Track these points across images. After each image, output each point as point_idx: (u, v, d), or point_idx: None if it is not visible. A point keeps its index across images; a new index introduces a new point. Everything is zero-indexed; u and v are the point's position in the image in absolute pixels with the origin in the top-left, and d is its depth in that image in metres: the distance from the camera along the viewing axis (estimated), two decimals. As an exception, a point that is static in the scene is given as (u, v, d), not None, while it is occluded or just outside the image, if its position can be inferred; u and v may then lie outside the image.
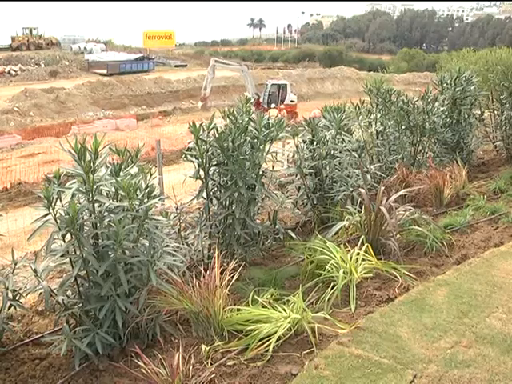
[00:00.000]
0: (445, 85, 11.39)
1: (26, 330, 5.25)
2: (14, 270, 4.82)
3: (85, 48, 68.20)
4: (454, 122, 11.23)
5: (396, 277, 5.70)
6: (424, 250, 6.65)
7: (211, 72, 39.68)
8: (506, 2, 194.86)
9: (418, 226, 6.97)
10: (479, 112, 12.40)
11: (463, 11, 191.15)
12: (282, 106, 36.26)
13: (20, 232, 10.71)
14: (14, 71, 54.70)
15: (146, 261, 4.45)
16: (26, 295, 4.94)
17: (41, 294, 5.14)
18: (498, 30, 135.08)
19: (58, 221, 4.23)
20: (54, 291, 4.57)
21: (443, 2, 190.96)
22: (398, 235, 6.81)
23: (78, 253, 4.36)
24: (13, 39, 67.93)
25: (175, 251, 4.91)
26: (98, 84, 47.41)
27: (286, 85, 40.15)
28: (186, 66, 69.69)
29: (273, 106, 34.60)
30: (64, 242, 4.35)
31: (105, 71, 55.59)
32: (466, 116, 11.39)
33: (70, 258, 4.43)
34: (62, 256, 4.40)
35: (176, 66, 67.85)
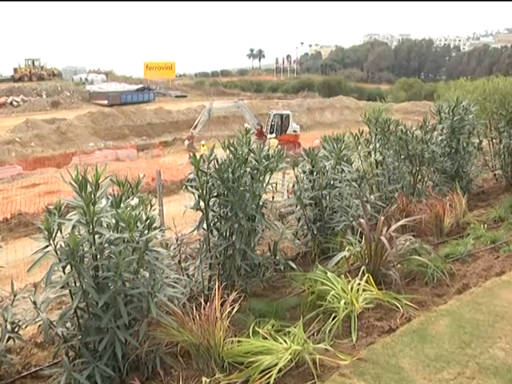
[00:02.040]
0: (443, 114, 11.45)
1: (24, 362, 5.20)
2: (13, 301, 4.80)
3: (86, 79, 68.92)
4: (453, 150, 11.25)
5: (397, 307, 5.66)
6: (425, 280, 6.62)
7: (207, 114, 39.94)
8: (501, 32, 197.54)
9: (419, 255, 6.95)
10: (478, 141, 12.44)
11: (460, 40, 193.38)
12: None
13: (19, 263, 10.66)
14: (16, 102, 55.20)
15: (146, 292, 4.43)
16: (25, 327, 4.90)
17: (40, 325, 5.09)
18: (495, 59, 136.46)
19: (58, 252, 4.23)
20: (54, 323, 4.55)
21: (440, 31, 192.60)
22: (399, 265, 6.79)
23: (77, 284, 4.34)
24: (15, 70, 68.75)
25: (175, 282, 4.90)
26: (98, 114, 47.75)
27: (288, 115, 40.59)
28: (186, 96, 70.28)
29: (273, 135, 34.77)
30: (64, 273, 4.34)
31: (106, 102, 56.06)
32: (465, 145, 11.42)
33: (70, 290, 4.42)
34: (61, 288, 4.39)
35: (176, 97, 68.46)
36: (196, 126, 39.78)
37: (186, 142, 38.22)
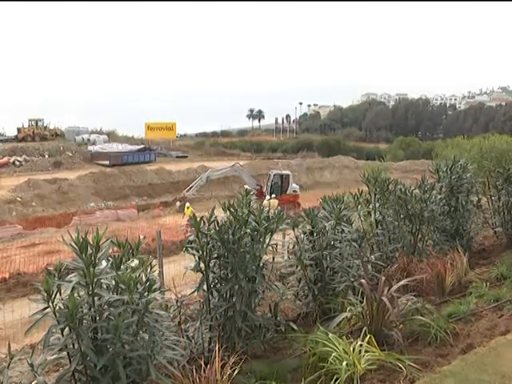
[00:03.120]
0: (441, 173, 11.56)
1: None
2: (9, 364, 4.72)
3: (88, 139, 69.68)
4: (452, 209, 11.31)
5: (400, 368, 5.57)
6: (428, 340, 6.53)
7: (204, 180, 40.38)
8: (496, 91, 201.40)
9: (421, 315, 6.88)
10: (476, 198, 12.52)
11: (455, 99, 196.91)
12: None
13: (17, 323, 10.57)
14: (19, 162, 55.72)
15: (146, 355, 4.39)
16: (22, 391, 4.82)
17: (37, 389, 5.01)
18: (490, 116, 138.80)
19: (57, 314, 4.20)
20: (51, 387, 4.47)
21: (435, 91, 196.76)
22: (401, 325, 6.72)
23: (76, 346, 4.30)
24: (19, 130, 69.77)
25: (175, 344, 4.85)
26: (100, 175, 48.12)
27: (288, 175, 41.03)
28: (186, 157, 70.98)
29: (273, 196, 34.95)
30: (62, 335, 4.30)
31: (107, 162, 56.54)
32: (464, 203, 11.48)
33: (68, 352, 4.37)
34: (59, 350, 4.34)
35: (177, 157, 69.12)
36: (190, 188, 40.07)
37: (178, 204, 38.30)
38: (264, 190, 38.95)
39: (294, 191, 40.09)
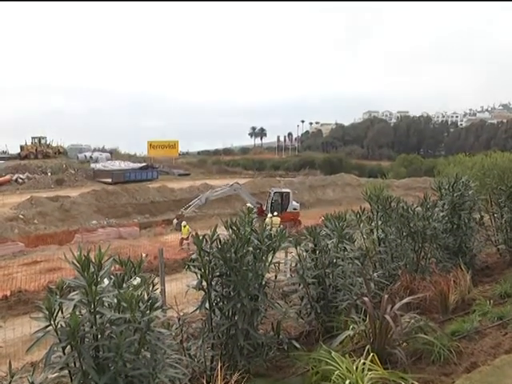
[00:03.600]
0: (443, 190, 11.56)
1: None
2: (10, 382, 4.69)
3: (91, 157, 69.97)
4: (455, 226, 11.29)
5: (404, 387, 5.53)
6: (432, 359, 6.48)
7: (203, 200, 40.46)
8: (497, 108, 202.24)
9: (425, 333, 6.84)
10: (479, 216, 12.50)
11: (457, 117, 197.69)
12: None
13: (18, 341, 10.54)
14: (22, 179, 55.91)
15: (148, 373, 4.35)
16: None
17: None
18: (492, 134, 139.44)
19: (59, 332, 4.18)
20: (52, 406, 4.43)
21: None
22: (405, 343, 6.68)
23: (77, 365, 4.27)
24: (22, 148, 70.16)
25: (177, 363, 4.82)
26: (102, 192, 48.17)
27: (288, 193, 41.10)
28: (189, 174, 71.15)
29: (275, 213, 34.94)
30: (64, 353, 4.28)
31: (110, 180, 56.69)
32: (466, 220, 11.46)
33: (69, 371, 4.34)
34: (61, 368, 4.31)
35: (179, 175, 69.27)
36: (188, 207, 40.09)
37: (175, 221, 38.31)
38: (264, 208, 38.98)
39: (294, 209, 40.19)
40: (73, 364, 4.32)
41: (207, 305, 6.11)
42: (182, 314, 6.36)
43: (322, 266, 7.78)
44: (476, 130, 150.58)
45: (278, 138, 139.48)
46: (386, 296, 6.82)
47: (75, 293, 4.35)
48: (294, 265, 8.08)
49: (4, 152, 75.57)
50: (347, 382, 5.33)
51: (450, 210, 11.23)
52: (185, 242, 29.18)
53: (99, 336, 4.32)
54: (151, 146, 79.69)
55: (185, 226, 30.63)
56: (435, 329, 6.96)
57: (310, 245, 7.93)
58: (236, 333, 6.12)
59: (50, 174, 59.79)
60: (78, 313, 4.22)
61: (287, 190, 42.43)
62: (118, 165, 67.65)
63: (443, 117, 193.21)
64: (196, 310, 6.25)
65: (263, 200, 42.11)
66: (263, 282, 6.34)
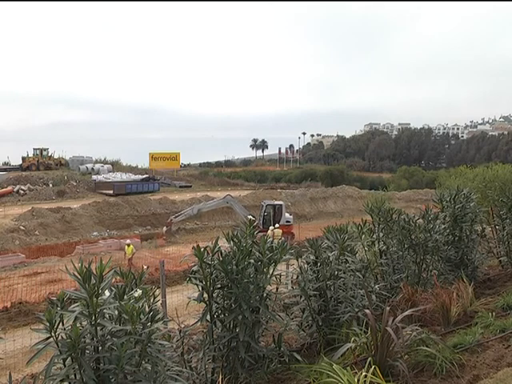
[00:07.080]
0: (445, 202, 11.55)
1: None
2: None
3: (92, 168, 70.22)
4: (457, 238, 11.27)
5: (406, 401, 5.50)
6: (434, 371, 6.45)
7: (195, 211, 40.42)
8: (498, 120, 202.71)
9: (427, 346, 6.81)
10: (481, 228, 12.49)
11: (458, 129, 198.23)
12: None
13: (18, 353, 10.51)
14: (23, 190, 56.04)
15: (148, 386, 4.34)
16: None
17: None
18: (493, 146, 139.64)
19: (60, 344, 4.17)
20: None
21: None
22: (406, 356, 6.65)
23: (78, 377, 4.26)
24: (23, 160, 70.43)
25: (178, 375, 4.80)
26: (103, 204, 48.25)
27: (281, 205, 40.48)
28: (190, 186, 71.28)
29: (277, 225, 34.77)
30: (64, 365, 4.27)
31: (111, 191, 56.85)
32: (468, 232, 11.44)
33: (70, 383, 4.32)
34: (61, 380, 4.30)
35: (181, 187, 69.40)
36: (179, 215, 40.03)
37: (165, 228, 38.15)
38: (257, 220, 38.70)
39: (287, 221, 39.63)
40: (73, 376, 4.31)
41: (208, 317, 6.10)
42: (182, 326, 6.35)
43: (324, 278, 7.77)
44: (477, 141, 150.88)
45: (280, 150, 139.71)
46: (388, 308, 6.80)
47: (76, 304, 4.35)
48: (295, 277, 8.07)
49: (6, 163, 75.81)
50: (349, 394, 5.31)
51: (451, 222, 11.22)
52: (128, 262, 27.30)
53: (100, 348, 4.31)
54: (153, 157, 79.93)
55: (129, 246, 29.60)
56: (437, 341, 6.92)
57: (312, 257, 7.93)
58: (237, 345, 6.10)
59: (51, 185, 59.95)
60: (78, 324, 4.21)
61: (280, 203, 41.97)
62: (119, 176, 67.87)
63: (444, 129, 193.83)
64: (197, 322, 6.24)
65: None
66: (264, 294, 6.32)
